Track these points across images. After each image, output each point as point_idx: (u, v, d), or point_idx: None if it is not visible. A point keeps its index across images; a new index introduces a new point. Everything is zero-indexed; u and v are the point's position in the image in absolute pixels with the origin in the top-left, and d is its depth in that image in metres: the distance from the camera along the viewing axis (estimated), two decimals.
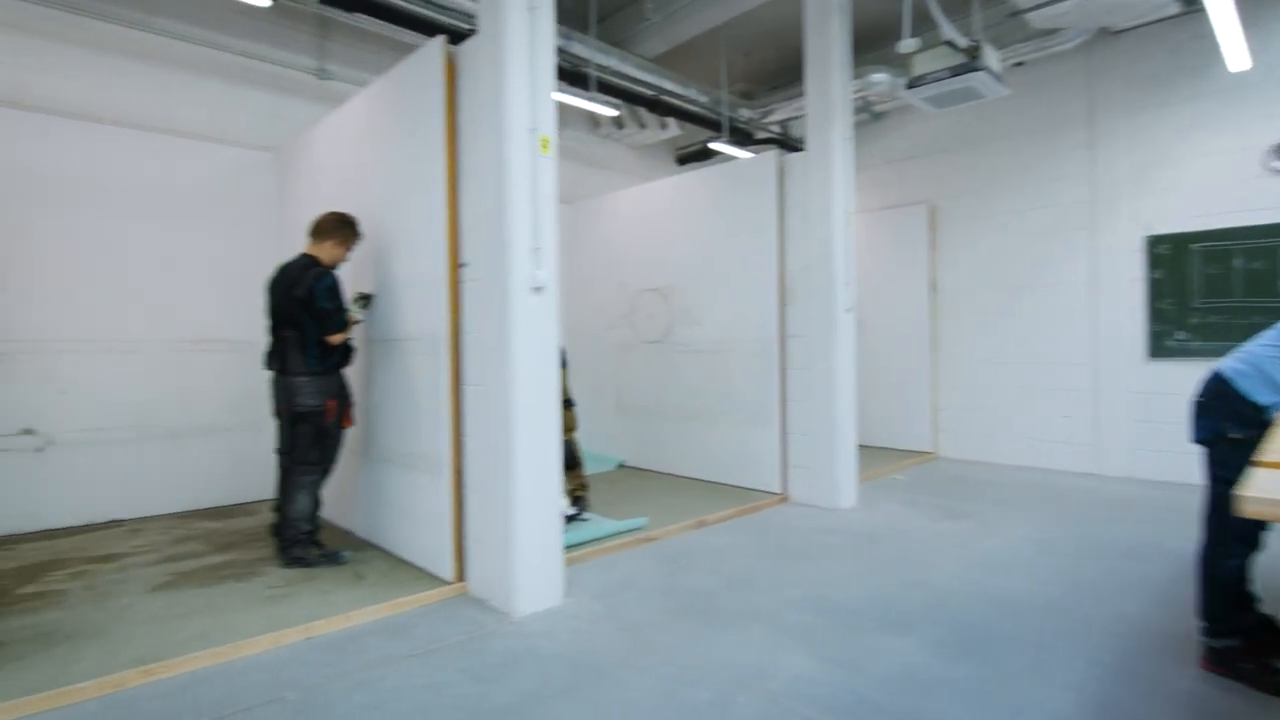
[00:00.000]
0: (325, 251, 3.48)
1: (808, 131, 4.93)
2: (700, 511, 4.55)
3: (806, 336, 4.91)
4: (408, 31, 5.43)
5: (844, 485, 4.79)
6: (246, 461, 4.86)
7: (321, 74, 5.33)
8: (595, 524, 4.07)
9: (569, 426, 4.24)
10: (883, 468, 6.06)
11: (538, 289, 2.95)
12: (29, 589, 3.16)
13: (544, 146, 2.97)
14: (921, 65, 5.29)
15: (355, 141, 4.02)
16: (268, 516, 4.45)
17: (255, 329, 4.88)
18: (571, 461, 4.29)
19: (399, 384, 3.52)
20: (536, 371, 2.96)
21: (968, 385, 6.69)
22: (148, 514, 4.49)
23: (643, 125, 7.29)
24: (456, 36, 4.68)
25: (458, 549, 3.19)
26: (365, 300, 3.66)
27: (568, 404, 4.23)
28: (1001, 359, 6.46)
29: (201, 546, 3.83)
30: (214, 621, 2.78)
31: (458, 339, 3.18)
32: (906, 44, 4.69)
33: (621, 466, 6.19)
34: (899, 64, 6.47)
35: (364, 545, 3.79)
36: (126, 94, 4.57)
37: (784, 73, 7.51)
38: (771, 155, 5.11)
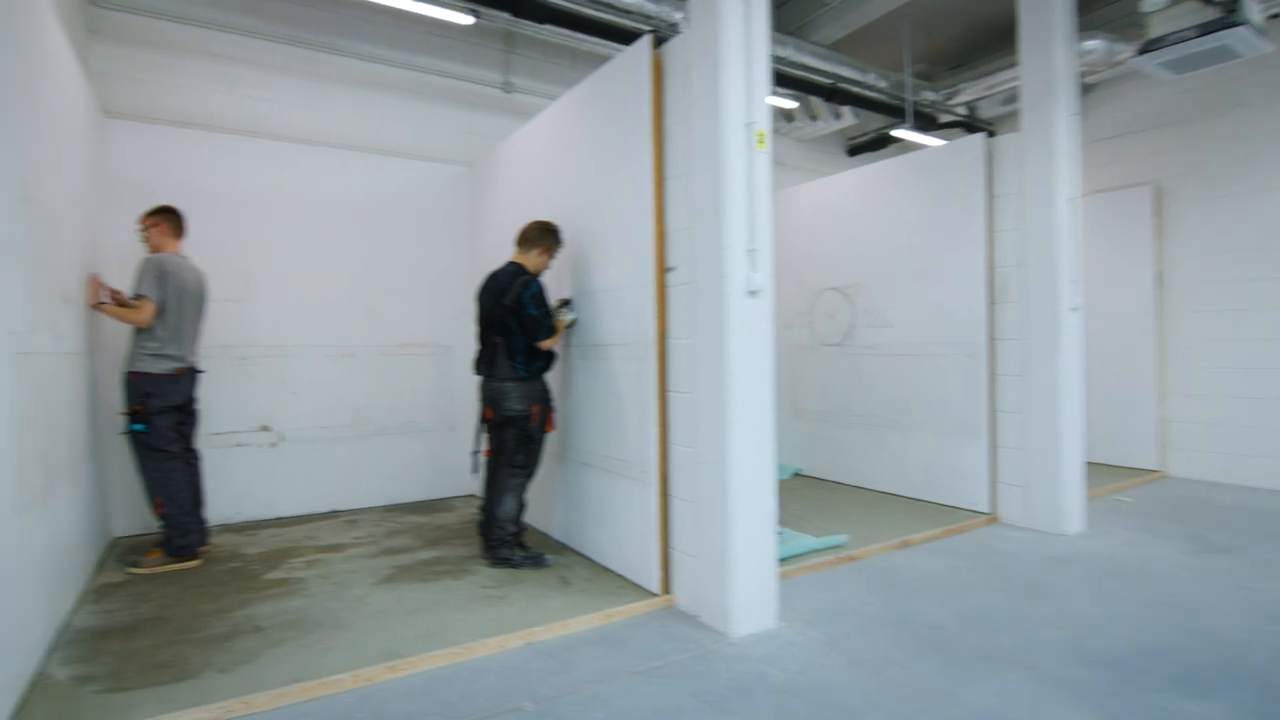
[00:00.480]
0: (531, 260, 3.53)
1: (1023, 109, 4.41)
2: (899, 529, 4.20)
3: (1022, 339, 4.39)
4: (587, 40, 5.51)
5: (1069, 508, 4.23)
6: (444, 459, 5.12)
7: (507, 87, 5.52)
8: (791, 539, 3.85)
9: None
10: (1102, 487, 5.34)
11: (754, 292, 2.79)
12: (274, 575, 3.45)
13: (760, 141, 2.80)
14: (1161, 25, 4.59)
15: (550, 150, 4.07)
16: (466, 513, 4.66)
17: (452, 334, 5.14)
18: None
19: (600, 389, 3.50)
20: (753, 379, 2.79)
21: (1203, 394, 5.75)
22: (361, 506, 4.83)
23: (814, 116, 6.96)
24: (634, 38, 4.67)
25: (664, 560, 3.10)
26: (565, 305, 3.68)
27: None
28: (1247, 364, 5.49)
29: (412, 540, 4.03)
30: (439, 619, 2.86)
31: (664, 345, 3.09)
32: (1153, 0, 4.07)
33: (798, 475, 5.90)
34: (1117, 28, 5.69)
35: (561, 548, 3.81)
36: (340, 118, 4.95)
37: (970, 50, 6.88)
38: (978, 139, 4.62)
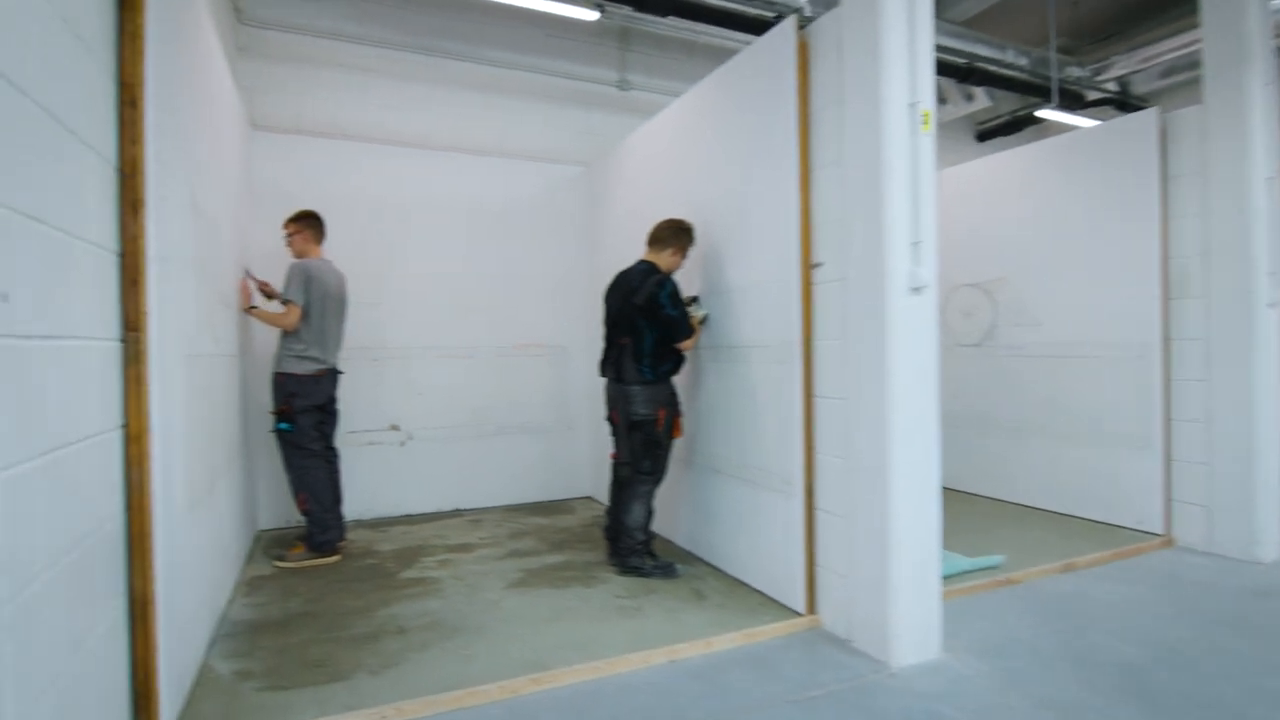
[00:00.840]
0: (664, 259, 3.41)
1: (1207, 78, 3.88)
2: (1059, 550, 3.79)
3: (1205, 339, 3.88)
4: (705, 33, 5.35)
5: (1267, 532, 3.69)
6: (561, 459, 5.10)
7: (623, 85, 5.44)
8: (943, 558, 3.53)
9: None
10: None
11: (918, 289, 2.54)
12: (409, 574, 3.49)
13: (925, 123, 2.55)
14: None
15: (675, 146, 3.93)
16: (585, 516, 4.60)
17: (569, 334, 5.12)
18: None
19: (733, 393, 3.33)
20: (916, 384, 2.55)
21: None
22: (482, 505, 4.88)
23: (943, 100, 6.51)
24: (764, 27, 4.47)
25: (809, 578, 2.89)
26: (694, 302, 3.53)
27: None
28: None
29: (536, 543, 4.00)
30: (577, 629, 2.78)
31: (809, 347, 2.88)
32: None
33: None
34: None
35: (688, 557, 3.67)
36: (462, 122, 5.02)
37: (1120, 20, 6.23)
38: (1150, 115, 4.12)
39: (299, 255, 3.73)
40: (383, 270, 4.61)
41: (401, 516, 4.64)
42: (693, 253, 3.61)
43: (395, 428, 4.66)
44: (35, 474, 1.38)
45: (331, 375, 3.73)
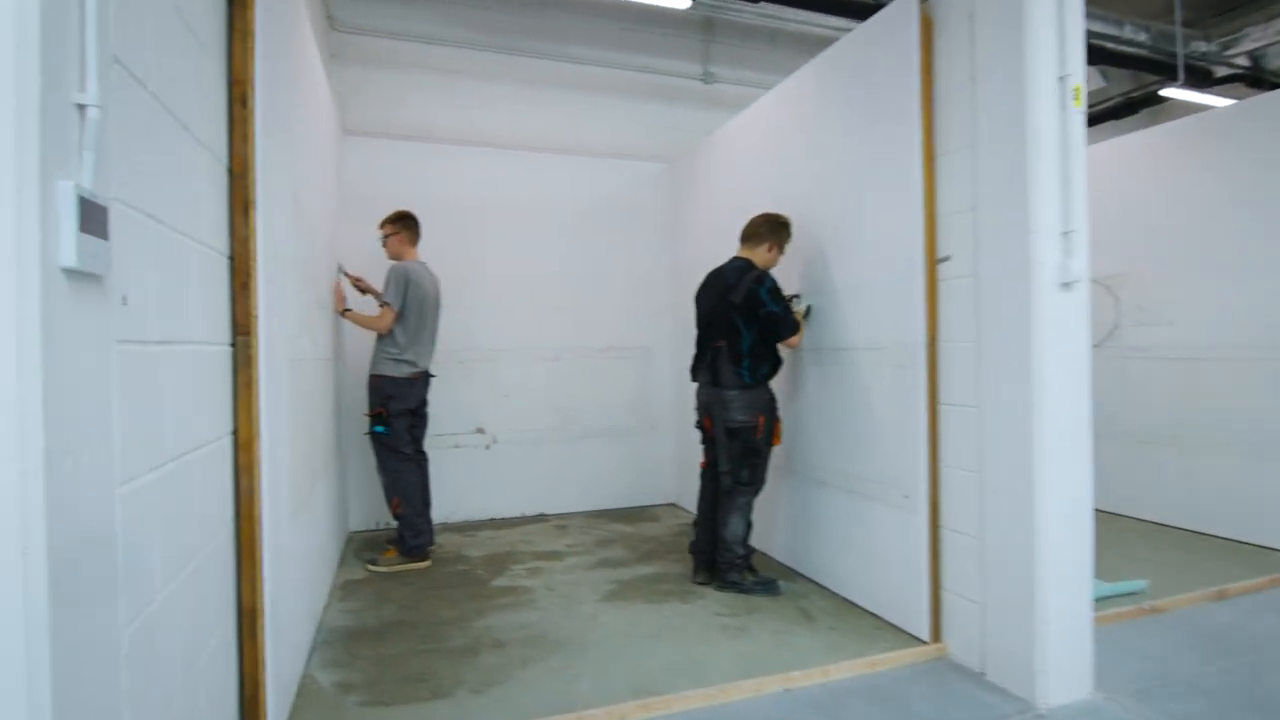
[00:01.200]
0: (760, 255, 3.21)
1: None
2: (1205, 574, 3.39)
3: None
4: (792, 20, 5.11)
5: None
6: (644, 464, 4.96)
7: (707, 78, 5.26)
8: None
9: None
10: None
11: (1068, 284, 2.27)
12: (500, 581, 3.41)
13: (1077, 98, 2.27)
14: None
15: (769, 139, 3.73)
16: (671, 524, 4.45)
17: (652, 335, 4.97)
18: None
19: (840, 398, 3.10)
20: (1067, 391, 2.27)
21: None
22: (566, 511, 4.78)
23: None
24: (862, 10, 4.20)
25: (934, 602, 2.64)
26: (793, 301, 3.32)
27: None
28: None
29: (625, 552, 3.86)
30: (681, 651, 2.61)
31: (934, 349, 2.64)
32: None
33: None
34: None
35: (787, 572, 3.46)
36: (545, 121, 4.94)
37: None
38: None
39: (395, 257, 3.70)
40: (468, 271, 4.57)
41: (487, 520, 4.59)
42: (789, 250, 3.40)
43: (480, 430, 4.62)
44: (155, 486, 1.31)
45: (424, 379, 3.70)
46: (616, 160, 4.98)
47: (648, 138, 5.17)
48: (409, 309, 3.55)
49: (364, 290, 3.70)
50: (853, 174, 3.02)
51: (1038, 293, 2.24)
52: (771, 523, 3.67)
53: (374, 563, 3.60)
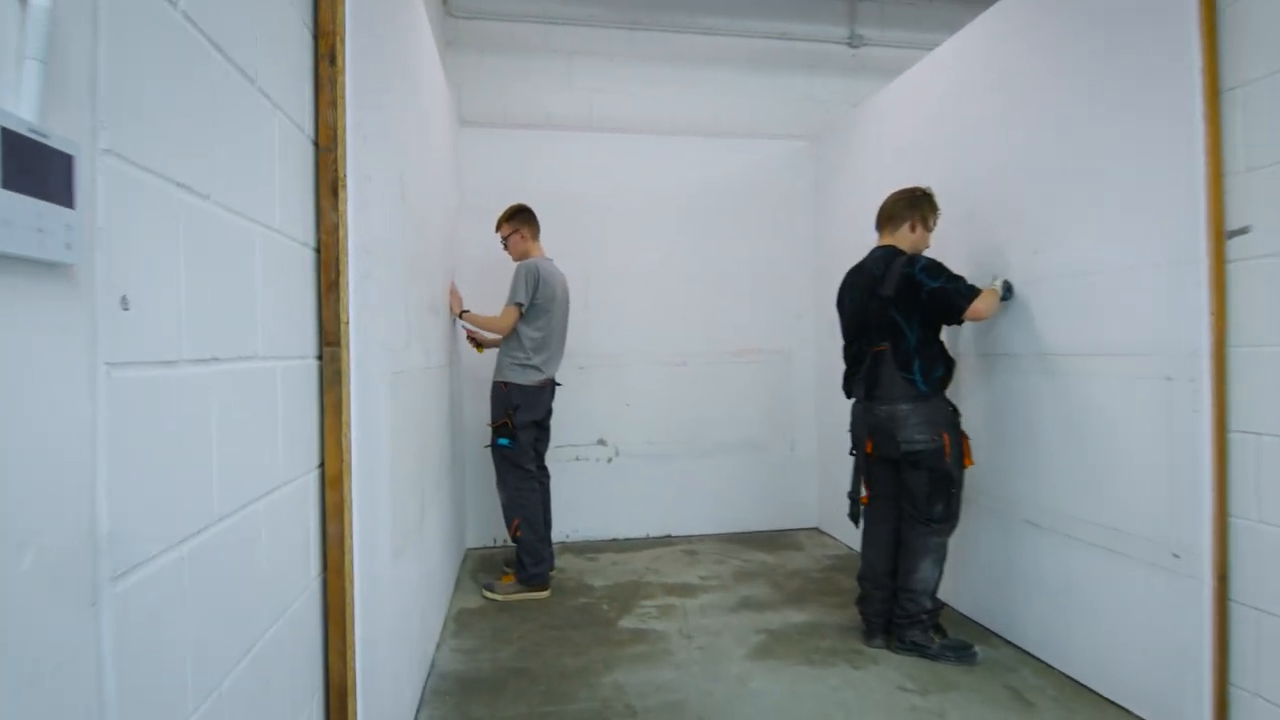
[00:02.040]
0: (903, 238, 2.62)
1: None
2: None
3: None
4: None
5: None
6: (783, 483, 4.40)
7: (854, 41, 4.61)
8: None
9: None
10: None
11: None
12: (628, 622, 2.97)
13: None
14: None
15: (939, 105, 3.08)
16: (816, 554, 3.87)
17: (791, 337, 4.41)
18: None
19: (1061, 419, 2.41)
20: None
21: None
22: (695, 533, 4.31)
23: None
24: None
25: (1219, 703, 1.93)
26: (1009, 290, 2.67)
27: None
28: None
29: (769, 591, 3.33)
30: None
31: (1221, 356, 1.92)
32: None
33: None
34: None
35: (979, 632, 2.80)
36: (670, 100, 4.49)
37: None
38: None
39: (520, 257, 3.37)
40: (588, 268, 4.19)
41: (609, 541, 4.19)
42: (971, 234, 2.74)
43: (602, 442, 4.23)
44: (221, 540, 0.96)
45: (552, 387, 3.36)
46: (752, 140, 4.43)
47: (787, 113, 4.59)
48: (537, 310, 3.21)
49: (479, 345, 3.45)
50: (1077, 132, 2.33)
51: None
52: (954, 567, 3.01)
53: (490, 588, 3.28)
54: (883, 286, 2.54)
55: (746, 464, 4.36)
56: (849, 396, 2.77)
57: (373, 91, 1.76)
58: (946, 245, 2.79)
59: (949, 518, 2.52)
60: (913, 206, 2.64)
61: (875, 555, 2.70)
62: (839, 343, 2.84)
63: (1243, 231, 1.88)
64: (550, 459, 4.06)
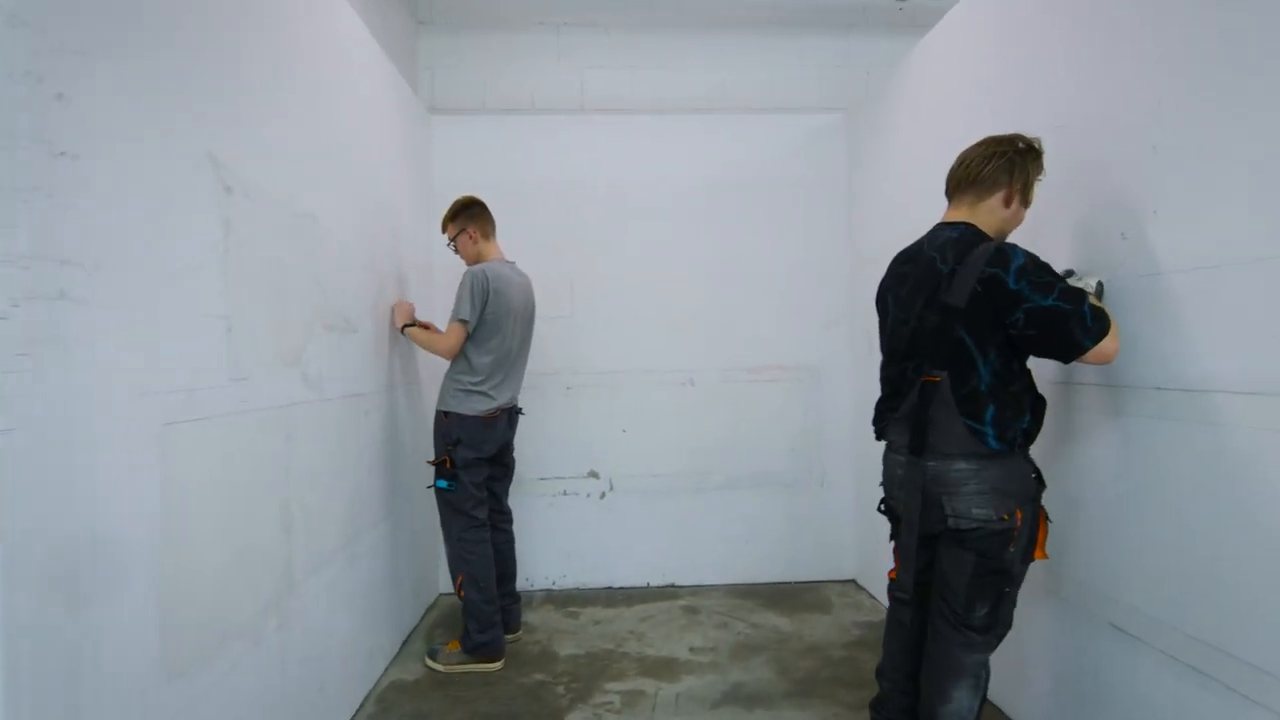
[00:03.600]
0: (990, 215, 1.81)
1: None
2: None
3: None
4: None
5: None
6: (809, 526, 3.67)
7: None
8: None
9: None
10: None
11: None
12: (580, 716, 2.36)
13: None
14: None
15: (1000, 46, 2.31)
16: (846, 618, 3.14)
17: (819, 351, 3.69)
18: None
19: (1183, 488, 1.63)
20: None
21: None
22: (702, 582, 3.64)
23: None
24: None
25: None
26: (1069, 279, 1.86)
27: None
28: None
29: (772, 674, 2.64)
30: None
31: None
32: None
33: None
34: None
35: None
36: (679, 74, 3.84)
37: None
38: None
39: (473, 262, 2.82)
40: (578, 271, 3.62)
41: (601, 590, 3.59)
42: (1062, 213, 1.97)
43: (594, 475, 3.63)
44: None
45: (508, 417, 2.78)
46: (773, 116, 3.73)
47: (818, 81, 3.86)
48: (488, 326, 2.65)
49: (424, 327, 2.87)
50: (1203, 68, 1.54)
51: None
52: (1017, 662, 2.23)
53: (434, 656, 2.75)
54: (949, 289, 1.74)
55: (766, 502, 3.65)
56: (880, 438, 2.03)
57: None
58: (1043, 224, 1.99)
59: (994, 626, 1.76)
60: (1009, 167, 1.78)
61: (896, 650, 1.97)
62: (877, 357, 2.09)
63: None
64: (532, 492, 3.55)
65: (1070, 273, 1.87)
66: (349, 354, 2.42)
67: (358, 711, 2.41)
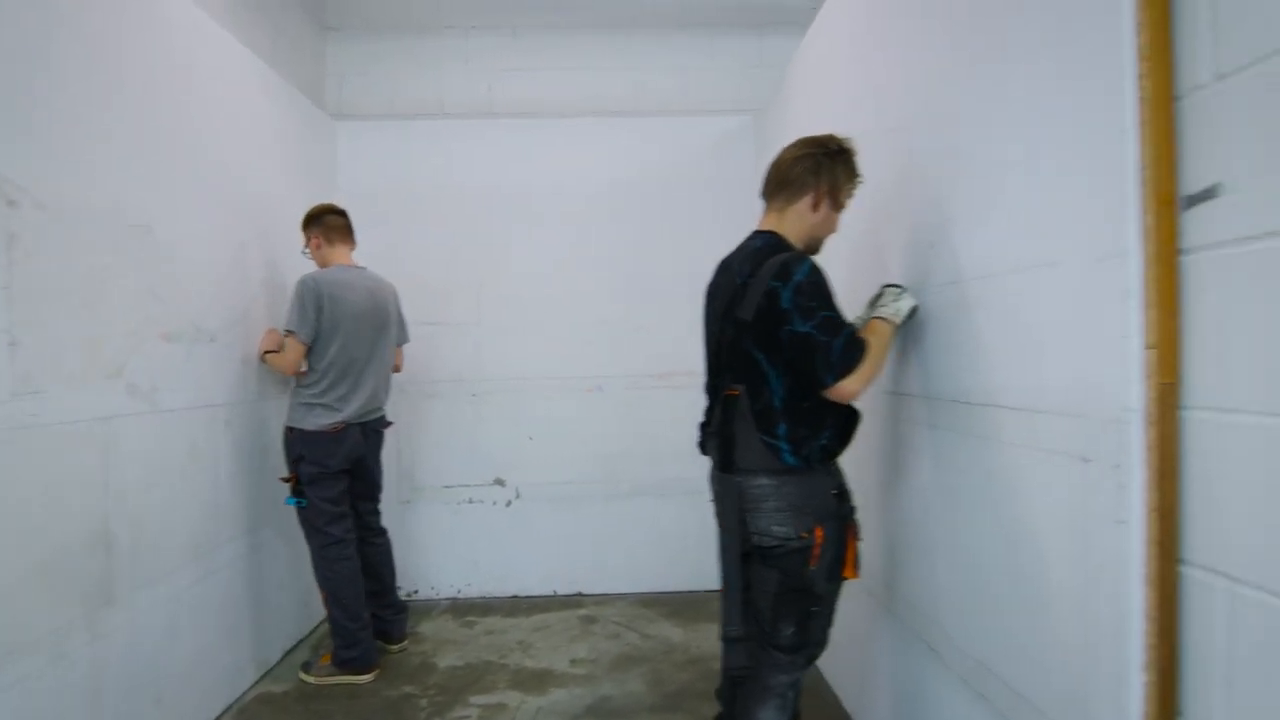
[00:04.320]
0: (798, 221, 1.74)
1: None
2: None
3: None
4: None
5: None
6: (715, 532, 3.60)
7: None
8: None
9: None
10: None
11: None
12: None
13: None
14: None
15: (869, 47, 2.25)
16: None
17: None
18: None
19: (966, 499, 1.58)
20: None
21: None
22: (610, 591, 3.59)
23: None
24: None
25: None
26: (887, 296, 1.79)
27: None
28: None
29: (643, 689, 2.59)
30: None
31: (1168, 427, 1.06)
32: None
33: None
34: None
35: None
36: (589, 76, 3.81)
37: None
38: None
39: (321, 268, 2.77)
40: (485, 277, 3.58)
41: (506, 599, 3.55)
42: (912, 218, 1.91)
43: (500, 482, 3.59)
44: None
45: (361, 431, 2.71)
46: (684, 118, 3.69)
47: (730, 82, 3.81)
48: (323, 334, 2.59)
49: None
50: (990, 84, 1.49)
51: None
52: (864, 672, 2.18)
53: (307, 668, 2.71)
54: (741, 302, 1.69)
55: (676, 510, 3.60)
56: (704, 453, 1.98)
57: None
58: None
59: (803, 646, 1.70)
60: (817, 170, 1.71)
61: (724, 675, 1.92)
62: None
63: (1208, 195, 1.03)
64: (439, 501, 3.55)
65: (895, 287, 1.80)
66: (201, 364, 2.38)
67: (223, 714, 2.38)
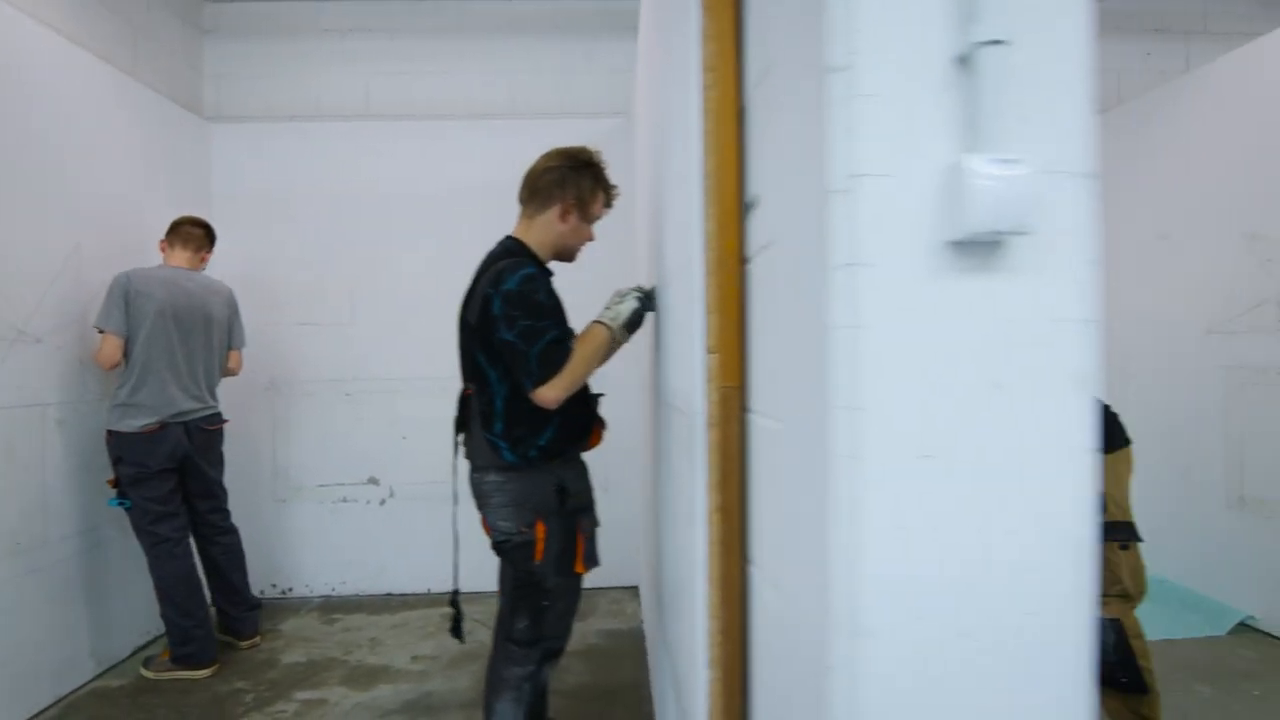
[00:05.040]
0: (545, 230, 1.82)
1: None
2: None
3: None
4: None
5: None
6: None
7: None
8: None
9: None
10: None
11: (993, 238, 0.68)
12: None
13: None
14: None
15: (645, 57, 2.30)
16: (599, 624, 3.14)
17: None
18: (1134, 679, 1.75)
19: (665, 493, 1.64)
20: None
21: None
22: (483, 589, 3.59)
23: None
24: None
25: None
26: (638, 296, 1.84)
27: None
28: None
29: (469, 685, 2.64)
30: None
31: (733, 424, 1.10)
32: None
33: (1247, 627, 2.99)
34: None
35: None
36: (469, 79, 3.84)
37: None
38: None
39: None
40: (360, 277, 3.62)
41: (380, 597, 3.59)
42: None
43: (374, 481, 3.64)
44: None
45: (180, 430, 2.71)
46: (559, 121, 3.70)
47: (604, 86, 3.85)
48: (135, 333, 2.61)
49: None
50: (668, 69, 1.54)
51: (887, 279, 0.69)
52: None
53: (148, 663, 2.76)
54: (469, 305, 1.79)
55: None
56: (456, 453, 2.02)
57: None
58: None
59: (538, 640, 1.76)
60: (563, 181, 1.81)
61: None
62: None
63: (751, 206, 1.08)
64: (314, 500, 3.61)
65: (637, 290, 1.84)
66: (24, 364, 2.42)
67: (35, 716, 2.41)
